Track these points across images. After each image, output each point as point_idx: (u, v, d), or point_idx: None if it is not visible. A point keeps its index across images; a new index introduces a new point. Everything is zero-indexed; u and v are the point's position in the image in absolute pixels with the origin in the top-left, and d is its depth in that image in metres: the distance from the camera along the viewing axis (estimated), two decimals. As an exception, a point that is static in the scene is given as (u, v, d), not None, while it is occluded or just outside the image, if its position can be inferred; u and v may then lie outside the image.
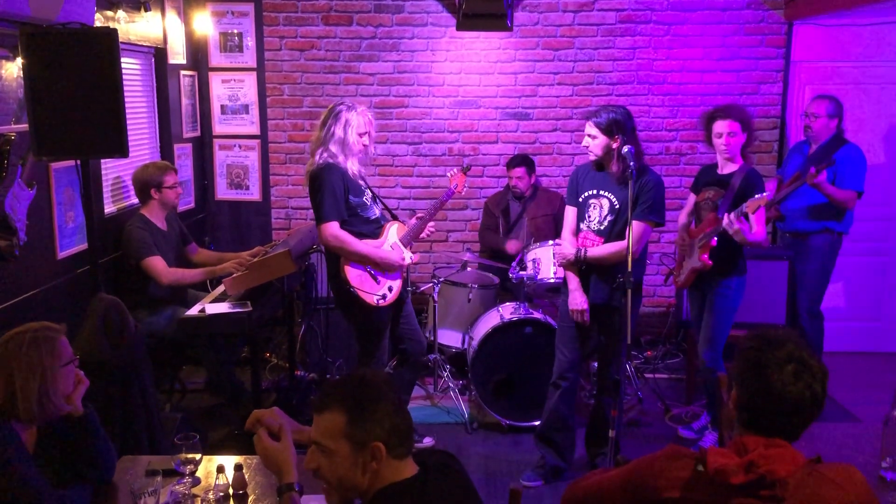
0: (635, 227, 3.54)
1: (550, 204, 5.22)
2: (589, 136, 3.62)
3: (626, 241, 3.57)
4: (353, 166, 3.74)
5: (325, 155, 3.69)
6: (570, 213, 3.81)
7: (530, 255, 4.53)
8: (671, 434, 4.45)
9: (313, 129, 3.86)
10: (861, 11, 5.15)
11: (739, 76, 5.57)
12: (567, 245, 3.75)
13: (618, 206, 3.62)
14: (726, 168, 4.00)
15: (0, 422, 2.15)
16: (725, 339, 4.04)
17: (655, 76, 5.60)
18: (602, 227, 3.66)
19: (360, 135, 3.73)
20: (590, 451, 4.01)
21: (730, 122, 3.90)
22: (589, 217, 3.70)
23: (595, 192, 3.69)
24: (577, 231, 3.75)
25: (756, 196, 3.69)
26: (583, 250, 3.66)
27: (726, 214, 3.75)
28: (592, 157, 3.66)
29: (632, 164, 3.36)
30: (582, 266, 3.69)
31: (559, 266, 3.87)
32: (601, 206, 3.67)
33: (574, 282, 3.71)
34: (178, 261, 4.33)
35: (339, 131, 3.68)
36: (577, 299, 3.68)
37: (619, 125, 3.56)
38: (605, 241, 3.65)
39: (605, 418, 3.84)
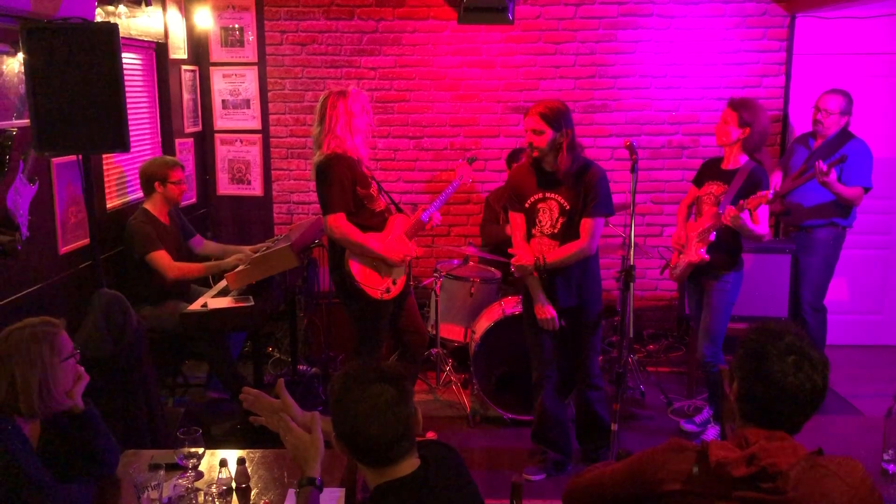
0: (590, 224, 3.52)
1: None
2: (533, 130, 3.47)
3: (583, 240, 3.54)
4: (361, 148, 3.74)
5: (332, 144, 3.67)
6: (517, 220, 3.68)
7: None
8: (673, 427, 4.45)
9: (313, 124, 3.85)
10: (863, 4, 5.13)
11: (742, 69, 5.56)
12: (523, 254, 3.63)
13: (568, 207, 3.54)
14: (730, 163, 3.98)
15: (4, 417, 2.15)
16: (724, 333, 4.04)
17: (657, 69, 5.58)
18: (556, 231, 3.59)
19: (362, 112, 3.73)
20: (583, 446, 4.00)
21: (728, 110, 3.92)
22: (540, 222, 3.61)
23: (541, 195, 3.58)
24: (529, 237, 3.66)
25: (759, 193, 3.67)
26: (541, 257, 3.57)
27: (729, 205, 3.74)
28: (537, 155, 3.52)
29: (576, 156, 3.34)
30: (543, 274, 3.62)
31: (518, 276, 3.74)
32: (550, 210, 3.58)
33: (537, 291, 3.63)
34: (180, 255, 4.33)
35: (342, 115, 3.67)
36: (545, 308, 3.62)
37: (565, 117, 3.47)
38: (561, 244, 3.58)
39: (593, 413, 3.84)
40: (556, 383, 3.85)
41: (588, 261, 3.66)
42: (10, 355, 2.17)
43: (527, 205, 3.62)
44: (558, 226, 3.58)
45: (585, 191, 3.52)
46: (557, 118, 3.45)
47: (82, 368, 2.33)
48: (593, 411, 3.84)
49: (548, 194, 3.57)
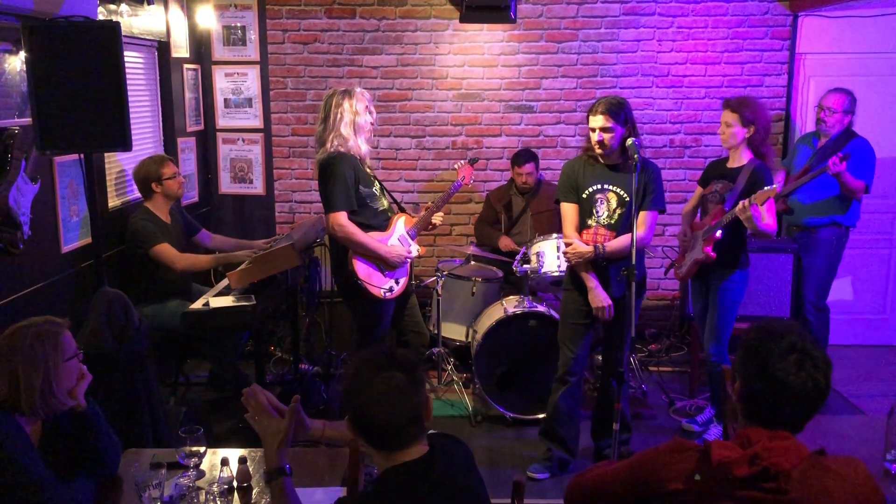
0: (648, 216, 3.62)
1: (553, 198, 5.20)
2: (603, 129, 3.50)
3: (640, 231, 3.61)
4: (363, 147, 3.75)
5: (336, 142, 3.69)
6: (569, 209, 3.72)
7: (534, 249, 4.52)
8: (676, 427, 4.45)
9: (317, 122, 3.87)
10: (866, 2, 5.12)
11: (744, 68, 5.55)
12: (578, 244, 3.65)
13: (628, 199, 3.60)
14: (735, 162, 3.98)
15: (5, 415, 2.15)
16: (730, 332, 4.03)
17: (660, 68, 5.58)
18: (612, 221, 3.63)
19: (365, 111, 3.75)
20: (597, 443, 4.00)
21: (727, 112, 3.92)
22: (597, 212, 3.64)
23: (600, 186, 3.63)
24: (582, 227, 3.69)
25: (765, 188, 3.67)
26: (601, 246, 3.60)
27: (742, 201, 3.73)
28: (606, 151, 3.55)
29: (638, 154, 3.31)
30: (602, 262, 3.64)
31: (573, 264, 3.70)
32: (608, 200, 3.63)
33: (593, 280, 3.64)
34: (183, 252, 4.33)
35: (346, 114, 3.69)
36: (601, 296, 3.62)
37: (629, 112, 3.55)
38: (617, 234, 3.63)
39: (617, 406, 3.83)
40: (581, 383, 3.87)
41: (641, 252, 3.70)
42: (13, 354, 2.17)
43: (584, 195, 3.65)
44: (615, 216, 3.63)
45: (645, 184, 3.59)
46: (624, 114, 3.52)
47: (85, 368, 2.33)
48: (611, 405, 3.84)
49: (606, 185, 3.62)
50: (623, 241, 3.60)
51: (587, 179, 3.66)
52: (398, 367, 1.74)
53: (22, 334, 2.19)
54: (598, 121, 3.52)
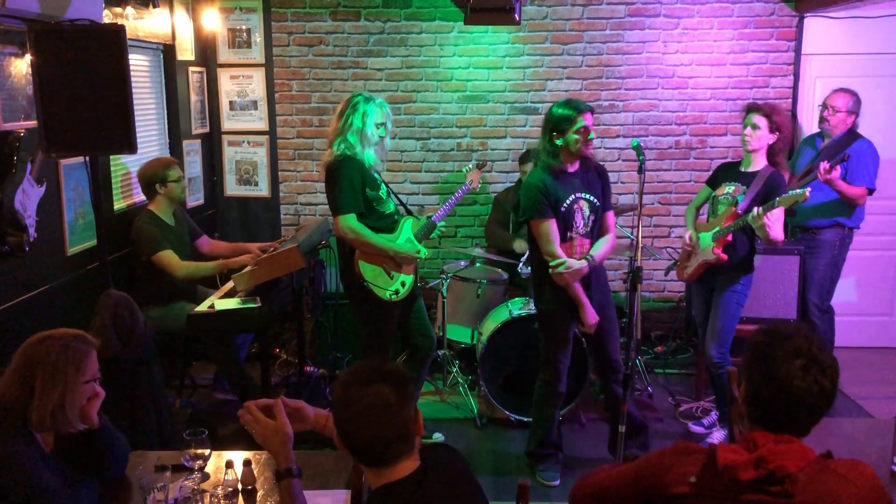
0: (612, 216, 3.74)
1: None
2: (593, 127, 3.56)
3: (612, 232, 3.71)
4: (370, 157, 3.74)
5: (342, 146, 3.70)
6: (550, 227, 3.56)
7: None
8: (681, 429, 4.43)
9: (322, 124, 3.87)
10: (872, 3, 5.10)
11: (750, 69, 5.54)
12: (572, 261, 3.56)
13: (598, 204, 3.64)
14: (751, 167, 3.97)
15: (15, 425, 2.11)
16: (732, 335, 4.02)
17: (665, 70, 5.57)
18: (588, 229, 3.65)
19: (378, 125, 3.74)
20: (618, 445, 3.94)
21: (758, 115, 3.89)
22: (576, 223, 3.62)
23: (574, 196, 3.60)
24: (561, 241, 3.62)
25: (795, 191, 3.58)
26: (591, 257, 3.60)
27: (756, 207, 3.72)
28: (588, 151, 3.59)
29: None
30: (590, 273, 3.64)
31: (564, 284, 3.57)
32: (582, 210, 3.61)
33: (583, 294, 3.60)
34: (186, 256, 4.34)
35: (356, 121, 3.69)
36: (592, 312, 3.61)
37: None
38: (592, 241, 3.66)
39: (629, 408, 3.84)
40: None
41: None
42: (36, 363, 2.12)
43: (563, 209, 3.59)
44: (590, 224, 3.65)
45: (604, 185, 3.66)
46: None
47: (98, 387, 2.26)
48: (617, 404, 3.84)
49: (578, 194, 3.60)
50: (605, 246, 3.66)
51: (562, 192, 3.58)
52: (386, 381, 1.69)
53: (48, 346, 2.15)
54: (589, 119, 3.53)
